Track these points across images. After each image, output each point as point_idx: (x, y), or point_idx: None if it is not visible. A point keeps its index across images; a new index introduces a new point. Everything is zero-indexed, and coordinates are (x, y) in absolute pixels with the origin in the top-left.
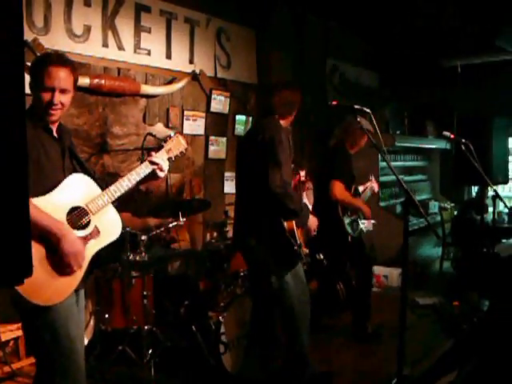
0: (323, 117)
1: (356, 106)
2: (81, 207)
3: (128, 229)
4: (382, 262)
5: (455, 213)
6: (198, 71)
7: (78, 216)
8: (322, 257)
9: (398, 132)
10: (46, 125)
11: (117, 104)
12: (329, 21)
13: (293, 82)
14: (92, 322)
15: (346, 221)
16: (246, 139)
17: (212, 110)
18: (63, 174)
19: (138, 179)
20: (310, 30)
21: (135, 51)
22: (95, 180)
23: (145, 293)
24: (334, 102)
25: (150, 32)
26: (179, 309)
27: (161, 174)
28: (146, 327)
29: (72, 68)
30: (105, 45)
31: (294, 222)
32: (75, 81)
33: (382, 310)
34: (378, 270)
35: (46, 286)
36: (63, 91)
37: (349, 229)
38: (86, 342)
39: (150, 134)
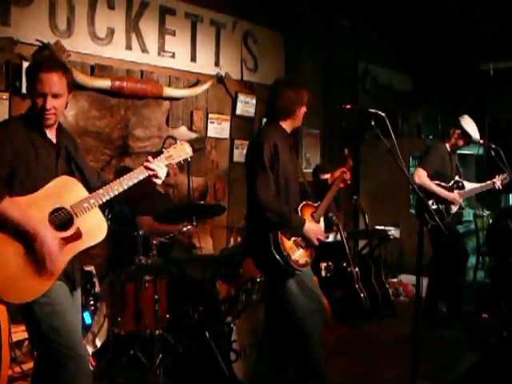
0: (354, 121)
1: (371, 110)
2: (65, 208)
3: (141, 232)
4: (412, 270)
5: (490, 221)
6: (223, 74)
7: (60, 217)
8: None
9: (430, 137)
10: (40, 128)
11: (139, 106)
12: (360, 23)
13: (295, 81)
14: (106, 325)
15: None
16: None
17: (238, 113)
18: (55, 176)
19: (131, 184)
20: (341, 33)
21: (159, 54)
22: (95, 184)
23: (156, 297)
24: (348, 106)
25: (174, 35)
26: (193, 314)
27: (157, 181)
28: (157, 332)
29: (64, 71)
30: (128, 47)
31: (278, 232)
32: (69, 84)
33: (409, 320)
34: (406, 278)
35: (18, 283)
36: (55, 96)
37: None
38: (99, 344)
39: (171, 137)
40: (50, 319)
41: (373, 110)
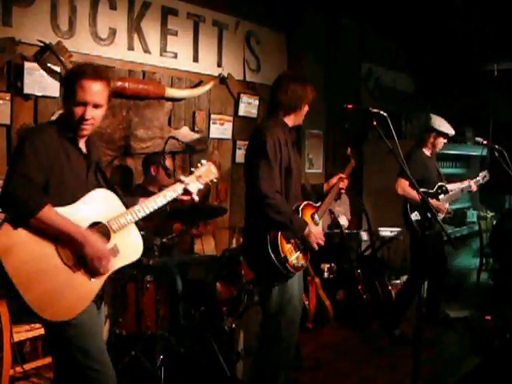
0: (358, 122)
1: (372, 110)
2: (102, 223)
3: (142, 233)
4: None
5: (494, 222)
6: (225, 74)
7: (97, 232)
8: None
9: None
10: (74, 137)
11: (141, 107)
12: (364, 24)
13: (301, 76)
14: (107, 326)
15: (414, 218)
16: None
17: (240, 113)
18: (86, 188)
19: (165, 202)
20: (344, 34)
21: (161, 54)
22: (119, 196)
23: (158, 297)
24: (350, 106)
25: (176, 35)
26: (195, 315)
27: (195, 197)
28: (158, 332)
29: (108, 82)
30: (130, 48)
31: (279, 233)
32: (110, 94)
33: (410, 322)
34: None
35: (59, 300)
36: (96, 106)
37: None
38: None
39: (173, 137)
40: (82, 341)
41: (375, 110)
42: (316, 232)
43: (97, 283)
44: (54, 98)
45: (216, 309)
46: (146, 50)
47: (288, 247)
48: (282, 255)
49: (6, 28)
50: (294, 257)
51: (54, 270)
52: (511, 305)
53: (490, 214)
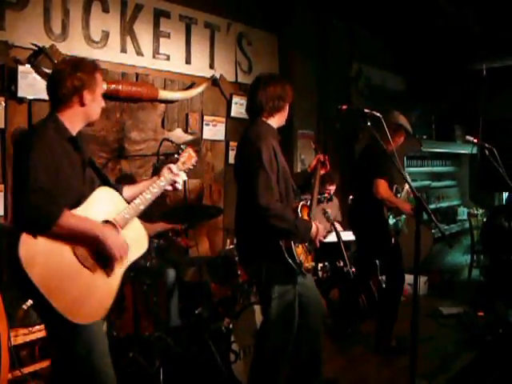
0: (349, 123)
1: (366, 111)
2: (110, 222)
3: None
4: (408, 269)
5: (484, 220)
6: (218, 76)
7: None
8: (348, 268)
9: (424, 137)
10: (72, 136)
11: (134, 109)
12: (354, 24)
13: (280, 76)
14: (104, 328)
15: (390, 222)
16: (237, 148)
17: (233, 115)
18: (84, 185)
19: (159, 192)
20: (334, 34)
21: (154, 56)
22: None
23: (155, 299)
24: (344, 107)
25: (169, 37)
26: (192, 316)
27: (178, 187)
28: (156, 334)
29: None
30: (123, 50)
31: (291, 240)
32: None
33: (406, 319)
34: None
35: (86, 302)
36: None
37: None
38: None
39: (167, 140)
40: (93, 344)
41: (368, 111)
42: (317, 230)
43: (115, 280)
44: (48, 101)
45: (213, 309)
46: (139, 53)
47: (299, 251)
48: (298, 260)
49: None
50: (305, 259)
51: (75, 275)
52: (503, 300)
53: (480, 212)
